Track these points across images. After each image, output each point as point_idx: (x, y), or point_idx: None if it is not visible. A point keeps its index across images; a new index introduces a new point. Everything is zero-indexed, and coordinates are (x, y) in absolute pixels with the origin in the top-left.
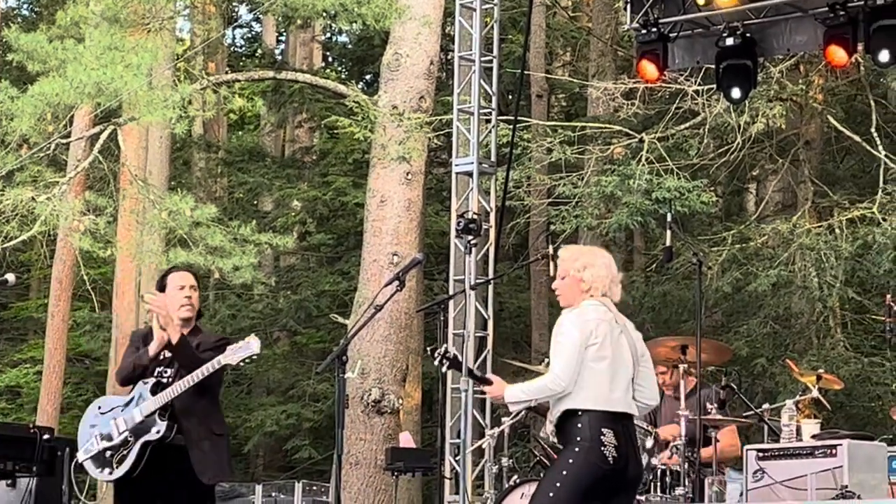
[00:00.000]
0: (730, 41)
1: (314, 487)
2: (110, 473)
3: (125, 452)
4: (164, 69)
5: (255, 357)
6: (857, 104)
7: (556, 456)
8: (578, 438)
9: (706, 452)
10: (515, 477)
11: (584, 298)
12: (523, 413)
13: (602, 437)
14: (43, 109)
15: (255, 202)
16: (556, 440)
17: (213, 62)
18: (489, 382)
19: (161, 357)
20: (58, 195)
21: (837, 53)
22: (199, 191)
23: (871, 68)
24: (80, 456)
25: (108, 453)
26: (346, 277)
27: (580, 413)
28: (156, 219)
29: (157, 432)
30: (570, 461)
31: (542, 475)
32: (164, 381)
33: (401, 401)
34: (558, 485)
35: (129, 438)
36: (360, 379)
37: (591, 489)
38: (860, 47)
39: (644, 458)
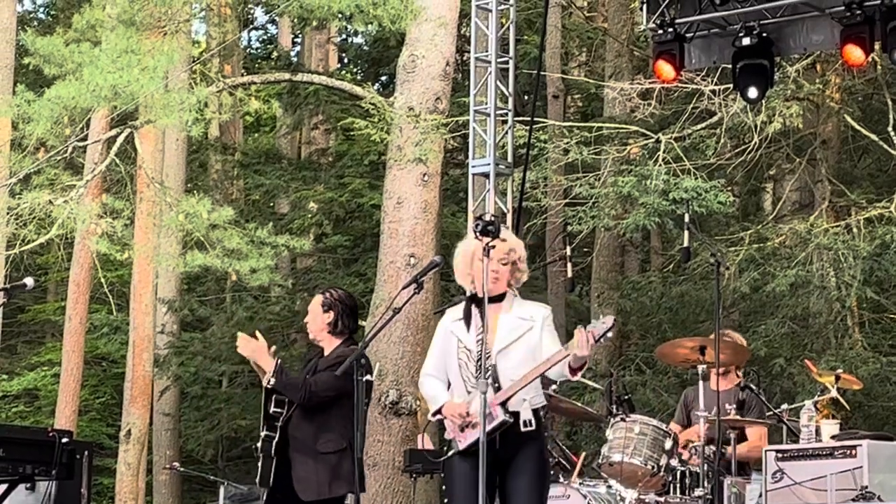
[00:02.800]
0: (746, 41)
1: None
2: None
3: (258, 465)
4: (180, 72)
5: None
6: (874, 103)
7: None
8: (545, 433)
9: (741, 450)
10: None
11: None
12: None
13: None
14: (60, 113)
15: (272, 204)
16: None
17: (229, 64)
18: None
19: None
20: (75, 198)
21: (854, 52)
22: (216, 193)
23: (888, 67)
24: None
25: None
26: (362, 279)
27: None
28: (173, 221)
29: (260, 440)
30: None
31: (533, 471)
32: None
33: (418, 402)
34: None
35: (259, 454)
36: (378, 381)
37: None
38: (877, 46)
39: (663, 460)
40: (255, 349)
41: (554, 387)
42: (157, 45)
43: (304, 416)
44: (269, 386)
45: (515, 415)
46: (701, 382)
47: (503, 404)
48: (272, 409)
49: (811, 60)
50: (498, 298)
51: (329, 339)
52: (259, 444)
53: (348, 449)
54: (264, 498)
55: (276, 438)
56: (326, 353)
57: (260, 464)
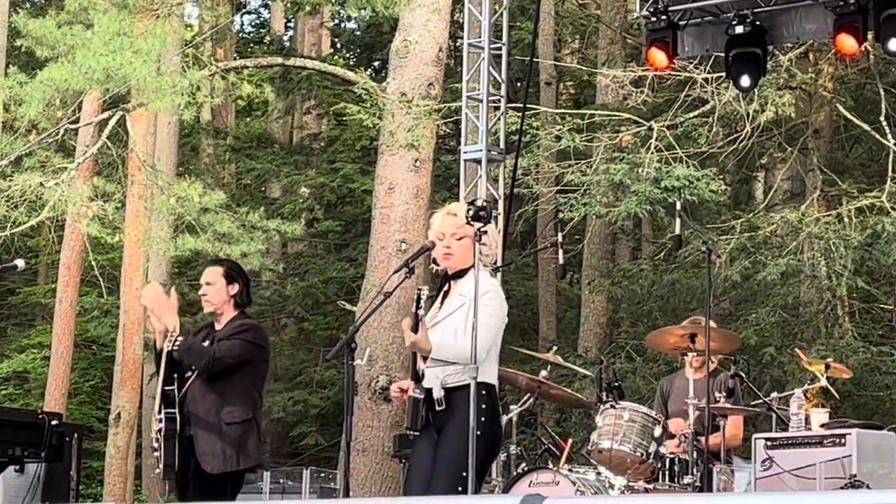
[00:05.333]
0: (739, 29)
1: (322, 474)
2: (159, 473)
3: (158, 448)
4: (172, 55)
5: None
6: (866, 93)
7: (563, 444)
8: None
9: (713, 440)
10: (523, 464)
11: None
12: (531, 401)
13: None
14: (51, 95)
15: (263, 189)
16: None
17: (222, 48)
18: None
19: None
20: (66, 181)
21: (847, 42)
22: (207, 177)
23: (880, 57)
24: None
25: (155, 453)
26: (353, 264)
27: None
28: (164, 205)
29: (159, 421)
30: None
31: (446, 453)
32: (184, 373)
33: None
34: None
35: (158, 436)
36: (368, 366)
37: None
38: (870, 36)
39: (652, 447)
40: (163, 304)
41: (544, 372)
42: (149, 28)
43: (204, 388)
44: (172, 349)
45: (429, 391)
46: (691, 371)
47: (416, 379)
48: (165, 388)
49: (804, 49)
50: (459, 274)
51: (229, 310)
52: (162, 427)
53: (253, 420)
54: (168, 481)
55: (178, 416)
56: (220, 324)
57: (163, 448)
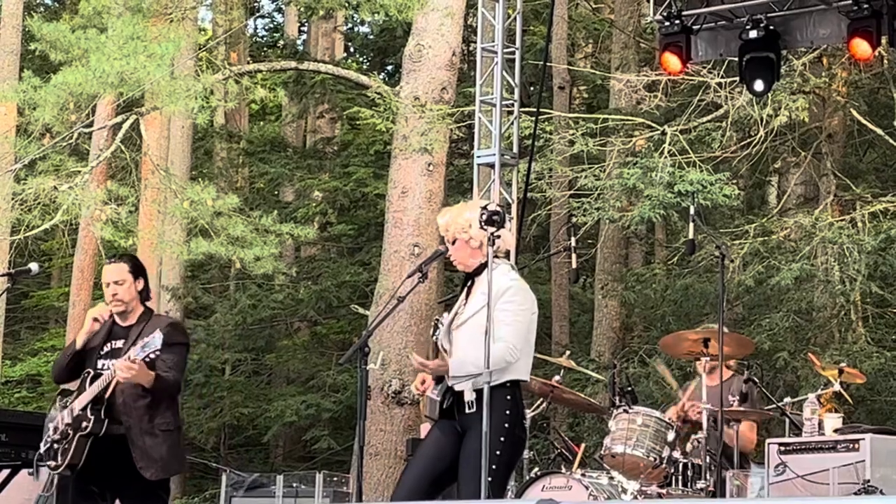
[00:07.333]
0: (753, 34)
1: (335, 478)
2: (56, 467)
3: (66, 446)
4: (186, 59)
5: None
6: (880, 97)
7: (576, 448)
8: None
9: (727, 433)
10: (536, 469)
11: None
12: (544, 405)
13: None
14: (65, 99)
15: (277, 192)
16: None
17: (235, 52)
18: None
19: (105, 350)
20: (80, 184)
21: (861, 46)
22: (221, 181)
23: (894, 61)
24: (41, 448)
25: (55, 446)
26: (366, 268)
27: None
28: (177, 209)
29: (86, 427)
30: None
31: (471, 456)
32: (103, 373)
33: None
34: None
35: (69, 432)
36: (381, 370)
37: None
38: (884, 40)
39: (665, 451)
40: (135, 373)
41: (557, 377)
42: (163, 31)
43: (134, 394)
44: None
45: (460, 394)
46: (704, 376)
47: (438, 380)
48: (98, 390)
49: (818, 54)
50: (477, 272)
51: (138, 307)
52: (88, 425)
53: (180, 427)
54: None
55: (105, 421)
56: (129, 321)
57: (74, 445)
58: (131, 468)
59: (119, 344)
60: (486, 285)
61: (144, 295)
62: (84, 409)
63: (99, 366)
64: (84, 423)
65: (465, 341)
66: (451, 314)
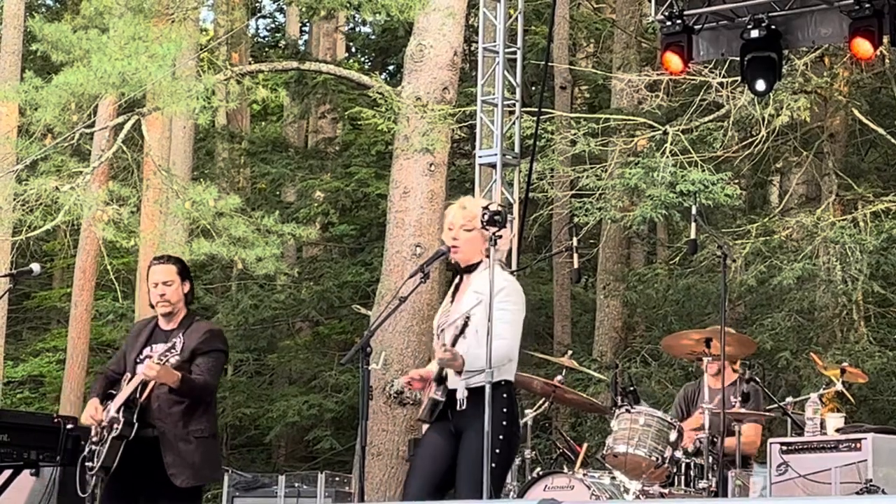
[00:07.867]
0: (755, 33)
1: (337, 478)
2: (91, 468)
3: (101, 448)
4: (187, 59)
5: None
6: (881, 97)
7: (578, 448)
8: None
9: (728, 442)
10: (538, 469)
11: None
12: (546, 405)
13: None
14: (67, 99)
15: (278, 193)
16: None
17: (237, 52)
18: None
19: (144, 353)
20: (81, 185)
21: (863, 46)
22: (223, 181)
23: None
24: (85, 450)
25: (93, 447)
26: (368, 268)
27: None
28: (179, 209)
29: (117, 429)
30: None
31: (470, 454)
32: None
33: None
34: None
35: (105, 434)
36: (383, 370)
37: None
38: (886, 40)
39: (667, 451)
40: (156, 372)
41: (559, 377)
42: (164, 32)
43: (170, 400)
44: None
45: (452, 392)
46: (706, 376)
47: (440, 381)
48: (131, 393)
49: (819, 53)
50: (471, 268)
51: (182, 309)
52: (119, 427)
53: (216, 434)
54: (101, 482)
55: (136, 425)
56: (172, 325)
57: (108, 446)
58: (163, 474)
59: (159, 348)
60: (477, 284)
61: (189, 298)
62: (117, 411)
63: (138, 370)
64: (115, 426)
65: (471, 337)
66: (438, 313)
